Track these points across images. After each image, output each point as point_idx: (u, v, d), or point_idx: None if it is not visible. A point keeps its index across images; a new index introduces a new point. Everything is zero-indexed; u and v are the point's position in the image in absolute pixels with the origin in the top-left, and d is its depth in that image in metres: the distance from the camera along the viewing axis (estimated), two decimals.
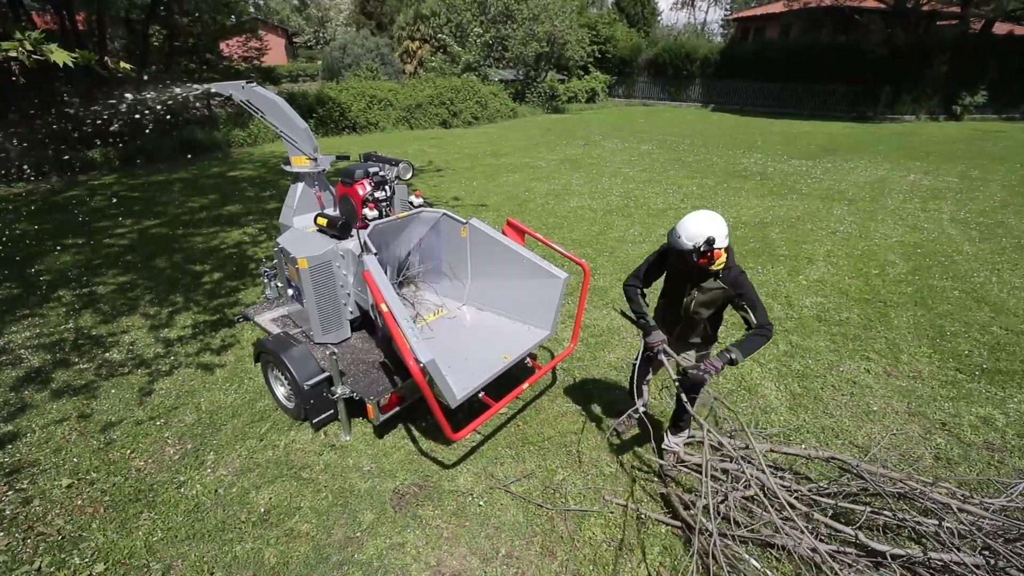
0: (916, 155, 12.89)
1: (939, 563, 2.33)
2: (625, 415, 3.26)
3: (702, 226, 2.42)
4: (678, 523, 2.76)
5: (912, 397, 3.84)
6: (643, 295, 2.88)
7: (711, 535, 2.68)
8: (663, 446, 3.13)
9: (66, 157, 11.07)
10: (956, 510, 2.52)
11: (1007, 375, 4.07)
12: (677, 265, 2.66)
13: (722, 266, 2.54)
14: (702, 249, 2.40)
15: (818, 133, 16.75)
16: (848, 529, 2.48)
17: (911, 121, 19.60)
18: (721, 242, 2.42)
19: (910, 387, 3.96)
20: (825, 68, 21.08)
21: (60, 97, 12.17)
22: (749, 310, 2.59)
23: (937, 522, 2.47)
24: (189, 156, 12.67)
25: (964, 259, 6.38)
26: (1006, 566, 2.25)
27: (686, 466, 3.09)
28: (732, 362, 2.59)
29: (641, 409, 3.11)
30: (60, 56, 2.29)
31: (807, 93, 21.92)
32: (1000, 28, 20.44)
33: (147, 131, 12.00)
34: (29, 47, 2.22)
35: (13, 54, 2.21)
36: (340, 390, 3.12)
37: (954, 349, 4.45)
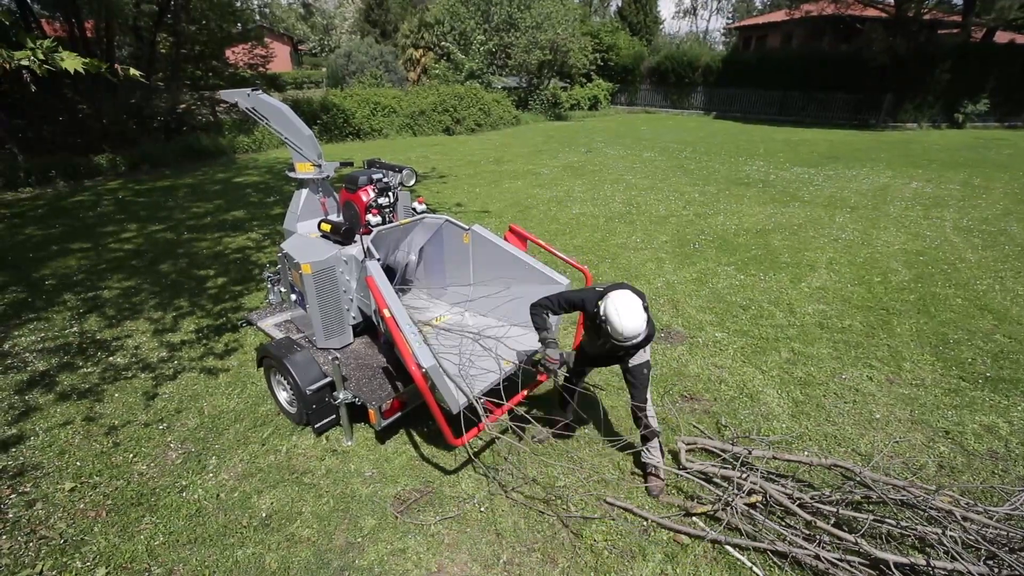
0: (918, 163, 12.90)
1: (943, 572, 2.32)
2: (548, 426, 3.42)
3: (638, 319, 2.53)
4: (681, 530, 2.75)
5: (915, 405, 3.82)
6: (547, 319, 3.03)
7: (714, 542, 2.67)
8: (643, 459, 3.08)
9: (72, 161, 11.17)
10: (960, 518, 2.51)
11: (1011, 383, 4.06)
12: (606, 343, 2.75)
13: None
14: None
15: (820, 141, 16.78)
16: (850, 536, 2.47)
17: (913, 129, 19.62)
18: None
19: (913, 395, 3.94)
20: (827, 76, 21.14)
21: (68, 103, 12.29)
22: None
23: (940, 530, 2.46)
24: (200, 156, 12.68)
25: (967, 267, 6.37)
26: (1010, 575, 2.23)
27: (688, 472, 3.08)
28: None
29: (569, 419, 3.33)
30: (71, 64, 2.32)
31: (809, 101, 21.97)
32: (1001, 37, 20.49)
33: (150, 132, 12.10)
34: (41, 56, 2.26)
35: (25, 63, 2.25)
36: (342, 395, 3.13)
37: (957, 357, 4.44)
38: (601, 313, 2.60)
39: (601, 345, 2.85)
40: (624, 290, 2.66)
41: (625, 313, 2.54)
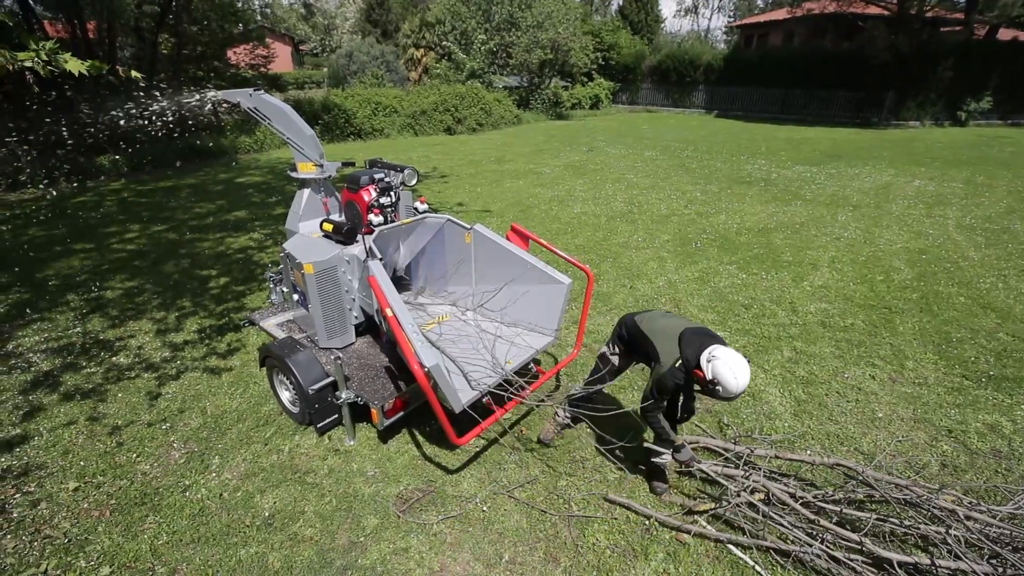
0: (921, 161, 12.86)
1: (947, 571, 2.31)
2: (553, 425, 3.40)
3: (747, 375, 2.44)
4: (682, 527, 2.75)
5: (918, 404, 3.82)
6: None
7: (716, 540, 2.67)
8: (653, 460, 3.05)
9: (75, 162, 11.21)
10: (963, 517, 2.50)
11: (1014, 382, 4.04)
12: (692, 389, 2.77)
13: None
14: None
15: (822, 139, 16.74)
16: (854, 536, 2.46)
17: (915, 127, 19.56)
18: None
19: (916, 394, 3.94)
20: (829, 74, 21.09)
21: (70, 104, 12.33)
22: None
23: (944, 529, 2.45)
24: (178, 164, 12.67)
25: (970, 265, 6.35)
26: (1014, 575, 2.23)
27: (689, 473, 3.08)
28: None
29: (565, 419, 3.30)
30: (74, 65, 2.33)
31: (811, 99, 21.92)
32: (1004, 34, 20.42)
33: (157, 136, 12.13)
34: (44, 58, 2.27)
35: (29, 64, 2.26)
36: (345, 395, 3.14)
37: (960, 355, 4.43)
38: (710, 376, 2.48)
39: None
40: (723, 347, 2.53)
41: (740, 372, 2.43)
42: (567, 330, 4.77)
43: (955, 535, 2.41)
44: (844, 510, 2.65)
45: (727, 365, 2.44)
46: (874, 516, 2.59)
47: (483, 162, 12.95)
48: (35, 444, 3.42)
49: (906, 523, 2.58)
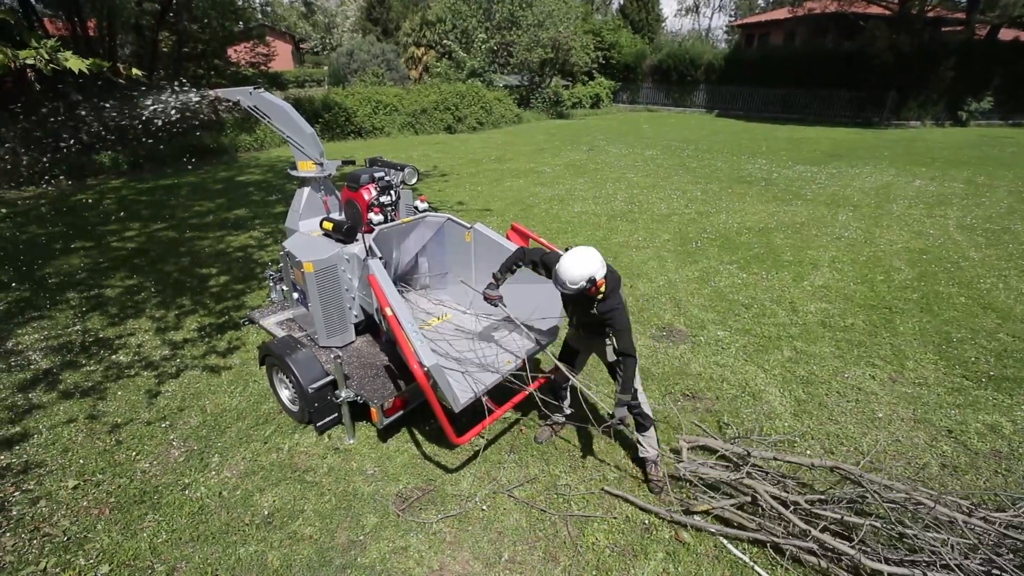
0: (922, 161, 12.84)
1: None
2: (548, 423, 3.42)
3: (581, 268, 2.53)
4: (680, 520, 2.75)
5: (918, 404, 3.81)
6: (517, 268, 3.06)
7: (715, 540, 2.67)
8: (641, 455, 3.09)
9: (75, 160, 11.20)
10: (962, 523, 2.48)
11: (1014, 382, 4.04)
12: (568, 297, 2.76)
13: (600, 296, 2.68)
14: (586, 286, 2.55)
15: (823, 139, 16.72)
16: (847, 548, 2.42)
17: (916, 127, 19.52)
18: (600, 275, 2.57)
19: (916, 394, 3.93)
20: (830, 74, 21.05)
21: (71, 102, 12.32)
22: (614, 337, 2.73)
23: (940, 543, 2.40)
24: (191, 160, 12.70)
25: (970, 265, 6.34)
26: None
27: (689, 470, 3.08)
28: (623, 404, 2.81)
29: (567, 413, 3.34)
30: (75, 64, 2.33)
31: (812, 99, 21.87)
32: (1005, 34, 20.38)
33: (159, 136, 12.12)
34: (46, 55, 2.27)
35: (30, 62, 2.25)
36: (344, 393, 3.13)
37: (960, 356, 4.42)
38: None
39: (577, 328, 2.92)
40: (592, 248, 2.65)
41: (571, 258, 2.55)
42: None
43: (954, 543, 2.37)
44: (845, 517, 2.62)
45: (571, 250, 2.59)
46: (868, 522, 2.55)
47: (483, 161, 12.94)
48: (34, 442, 3.42)
49: (902, 530, 2.54)
